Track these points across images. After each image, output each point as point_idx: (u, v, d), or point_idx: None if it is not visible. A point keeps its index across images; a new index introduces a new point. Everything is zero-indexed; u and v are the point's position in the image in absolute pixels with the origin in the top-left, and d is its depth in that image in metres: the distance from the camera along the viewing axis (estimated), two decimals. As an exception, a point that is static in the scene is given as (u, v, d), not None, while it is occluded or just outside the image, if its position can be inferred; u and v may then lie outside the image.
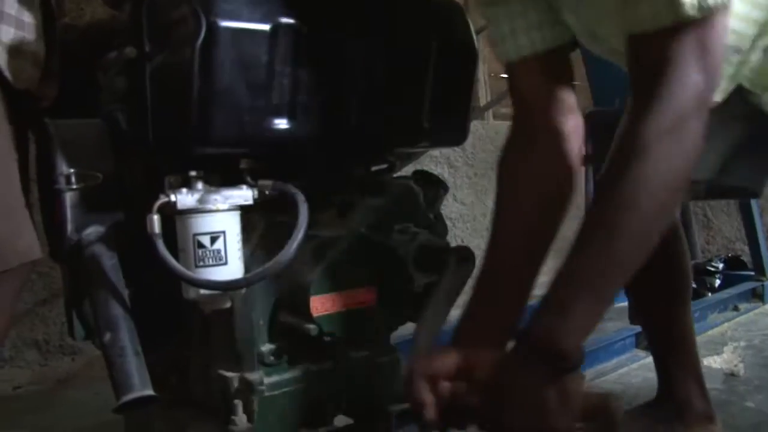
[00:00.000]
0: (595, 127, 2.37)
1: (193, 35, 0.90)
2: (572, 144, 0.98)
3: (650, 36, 0.75)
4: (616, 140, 0.76)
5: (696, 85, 0.74)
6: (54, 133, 1.07)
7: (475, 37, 1.16)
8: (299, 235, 1.00)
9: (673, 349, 1.37)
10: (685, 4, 0.72)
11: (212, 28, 0.89)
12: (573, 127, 0.99)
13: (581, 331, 0.75)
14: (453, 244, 1.19)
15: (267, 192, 1.05)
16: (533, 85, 0.98)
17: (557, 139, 0.97)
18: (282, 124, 0.98)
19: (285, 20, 0.95)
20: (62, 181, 1.05)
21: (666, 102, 0.73)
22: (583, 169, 2.32)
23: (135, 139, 1.08)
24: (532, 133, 0.98)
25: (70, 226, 1.05)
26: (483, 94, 3.31)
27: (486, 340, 0.88)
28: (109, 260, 1.04)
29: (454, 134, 1.18)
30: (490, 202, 3.15)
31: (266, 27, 0.93)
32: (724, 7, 0.74)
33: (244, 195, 1.03)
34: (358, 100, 1.04)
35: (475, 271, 1.01)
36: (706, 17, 0.73)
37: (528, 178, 0.97)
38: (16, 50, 1.15)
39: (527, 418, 0.74)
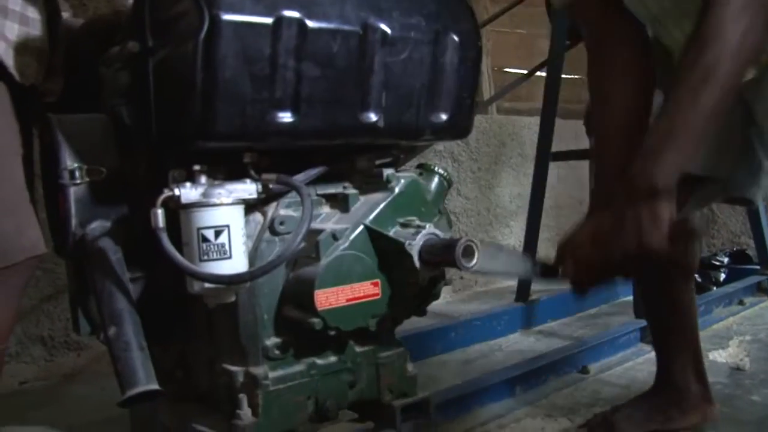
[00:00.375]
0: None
1: (196, 29, 0.89)
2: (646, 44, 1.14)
3: None
4: (696, 25, 0.90)
5: None
6: (58, 128, 1.07)
7: (479, 29, 1.16)
8: (303, 228, 1.00)
9: (673, 333, 1.39)
10: None
11: (215, 22, 0.89)
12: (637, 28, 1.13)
13: (671, 169, 0.91)
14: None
15: (271, 186, 1.05)
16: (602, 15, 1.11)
17: (635, 46, 1.11)
18: (285, 117, 0.98)
19: (288, 13, 0.94)
20: (66, 176, 1.05)
21: None
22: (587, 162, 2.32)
23: (139, 133, 1.08)
24: (610, 36, 1.11)
25: (74, 221, 1.05)
26: (486, 87, 3.31)
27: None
28: (113, 255, 1.04)
29: (459, 128, 1.18)
30: (494, 197, 3.16)
31: (269, 20, 0.93)
32: None
33: (248, 189, 1.02)
34: (362, 93, 1.03)
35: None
36: None
37: (623, 64, 1.10)
38: (21, 46, 1.16)
39: (628, 240, 0.90)
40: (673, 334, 1.39)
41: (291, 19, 0.94)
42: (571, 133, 2.81)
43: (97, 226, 1.05)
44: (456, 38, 1.11)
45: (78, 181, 1.05)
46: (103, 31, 1.17)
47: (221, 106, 0.93)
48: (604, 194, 1.07)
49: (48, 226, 1.17)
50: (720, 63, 0.87)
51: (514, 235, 3.13)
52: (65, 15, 1.41)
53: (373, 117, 1.05)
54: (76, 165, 1.06)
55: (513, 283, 2.53)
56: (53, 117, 1.09)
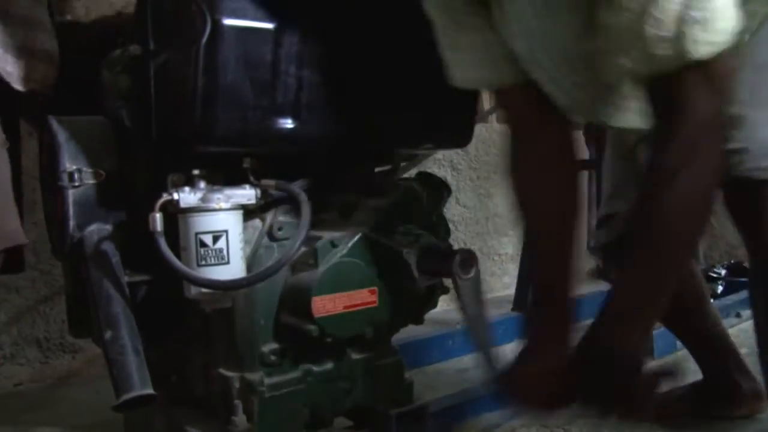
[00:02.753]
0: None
1: (198, 33, 0.90)
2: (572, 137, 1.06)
3: (662, 78, 0.80)
4: (645, 170, 0.86)
5: (709, 111, 0.80)
6: (58, 129, 1.07)
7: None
8: (302, 234, 1.00)
9: (707, 343, 1.46)
10: (691, 50, 0.76)
11: (217, 27, 0.89)
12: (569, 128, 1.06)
13: (639, 335, 0.90)
14: (455, 247, 1.18)
15: (270, 192, 1.05)
16: (524, 106, 1.01)
17: (560, 134, 1.03)
18: (286, 123, 0.98)
19: (290, 18, 0.95)
20: (65, 178, 1.05)
21: (683, 131, 0.80)
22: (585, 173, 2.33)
23: (138, 136, 1.08)
24: (534, 133, 1.01)
25: (72, 223, 1.05)
26: (486, 97, 3.31)
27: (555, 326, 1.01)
28: (111, 258, 1.03)
29: (459, 136, 1.18)
30: (492, 206, 3.15)
31: (271, 25, 0.93)
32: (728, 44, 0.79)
33: (247, 194, 1.02)
34: (363, 100, 1.03)
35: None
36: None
37: (543, 167, 1.01)
38: (28, 50, 1.15)
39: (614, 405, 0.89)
40: (706, 348, 1.46)
41: (292, 25, 0.94)
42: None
43: (95, 228, 1.05)
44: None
45: (77, 184, 1.05)
46: (104, 34, 1.17)
47: (222, 111, 0.94)
48: (541, 317, 1.05)
49: (46, 228, 1.17)
50: (675, 218, 0.82)
51: (512, 244, 3.13)
52: (67, 17, 1.41)
53: (374, 124, 1.05)
54: (75, 167, 1.06)
55: (510, 292, 2.52)
56: (53, 118, 1.09)
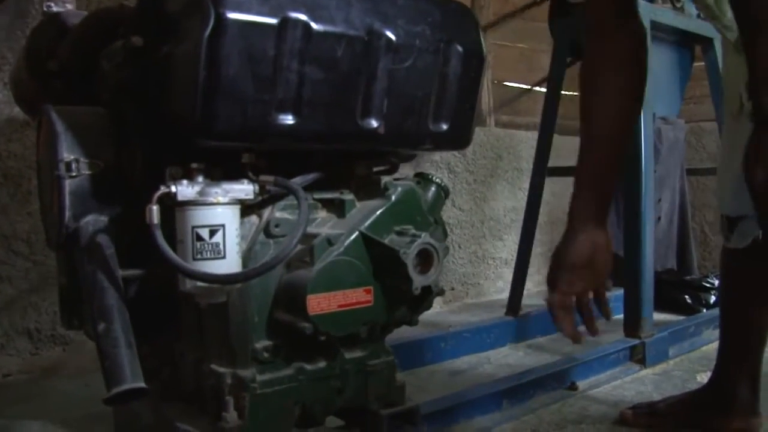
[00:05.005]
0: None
1: (201, 26, 0.89)
2: (641, 41, 1.20)
3: None
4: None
5: None
6: (56, 119, 1.06)
7: (483, 41, 1.16)
8: (299, 232, 0.99)
9: (737, 341, 1.40)
10: None
11: (220, 20, 0.89)
12: (639, 29, 1.20)
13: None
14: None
15: (268, 187, 1.04)
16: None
17: (631, 39, 1.17)
18: (286, 119, 0.98)
19: (294, 14, 0.94)
20: (63, 167, 1.04)
21: None
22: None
23: (138, 128, 1.07)
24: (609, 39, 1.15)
25: (68, 214, 1.04)
26: (486, 101, 3.31)
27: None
28: (106, 250, 1.03)
29: (459, 138, 1.18)
30: (488, 209, 3.16)
31: (274, 21, 0.93)
32: None
33: (245, 189, 1.02)
34: (364, 99, 1.03)
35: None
36: None
37: (613, 70, 1.15)
38: None
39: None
40: (738, 338, 1.40)
41: (296, 21, 0.94)
42: (568, 150, 2.81)
43: (90, 219, 1.04)
44: (460, 49, 1.11)
45: (74, 174, 1.04)
46: (106, 24, 1.16)
47: (222, 105, 0.93)
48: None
49: (40, 218, 1.16)
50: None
51: (506, 249, 3.13)
52: (69, 6, 1.40)
53: (373, 123, 1.05)
54: (73, 157, 1.05)
55: (504, 296, 2.52)
56: (51, 108, 1.08)
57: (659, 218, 2.30)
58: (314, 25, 0.95)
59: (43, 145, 1.11)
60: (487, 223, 3.11)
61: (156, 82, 1.00)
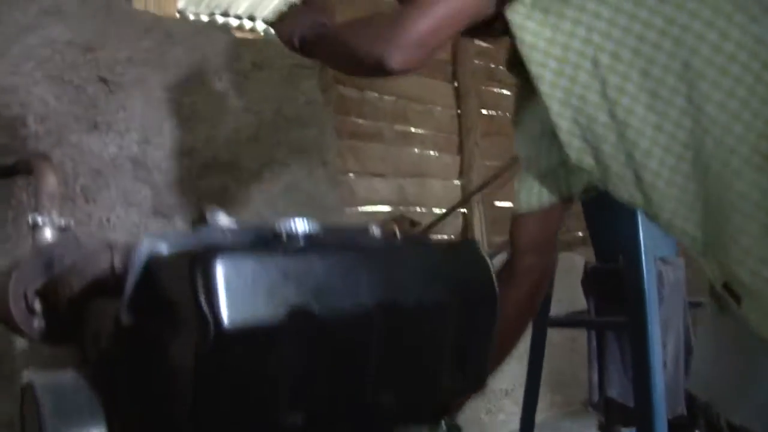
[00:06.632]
0: (596, 283, 2.33)
1: (197, 341, 0.82)
2: (545, 279, 1.35)
3: None
4: None
5: None
6: (42, 396, 0.99)
7: (494, 277, 1.10)
8: None
9: None
10: None
11: (220, 335, 0.82)
12: (550, 264, 1.34)
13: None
14: None
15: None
16: (530, 233, 1.29)
17: (535, 276, 1.30)
18: (288, 419, 0.90)
19: (300, 307, 0.87)
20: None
21: None
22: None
23: (125, 403, 1.00)
24: (515, 270, 1.29)
25: None
26: (479, 225, 3.28)
27: None
28: None
29: (473, 385, 1.11)
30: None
31: (278, 318, 0.86)
32: None
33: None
34: (375, 386, 0.96)
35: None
36: None
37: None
38: None
39: None
40: None
41: (301, 326, 0.87)
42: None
43: None
44: (473, 298, 1.05)
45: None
46: (93, 288, 1.10)
47: (217, 411, 0.86)
48: None
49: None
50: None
51: (506, 378, 3.04)
52: (55, 219, 1.36)
53: (385, 406, 0.98)
54: (58, 431, 0.97)
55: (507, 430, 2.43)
56: (36, 380, 1.01)
57: (665, 364, 2.25)
58: (322, 318, 0.88)
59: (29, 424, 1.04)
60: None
61: (145, 368, 0.93)
